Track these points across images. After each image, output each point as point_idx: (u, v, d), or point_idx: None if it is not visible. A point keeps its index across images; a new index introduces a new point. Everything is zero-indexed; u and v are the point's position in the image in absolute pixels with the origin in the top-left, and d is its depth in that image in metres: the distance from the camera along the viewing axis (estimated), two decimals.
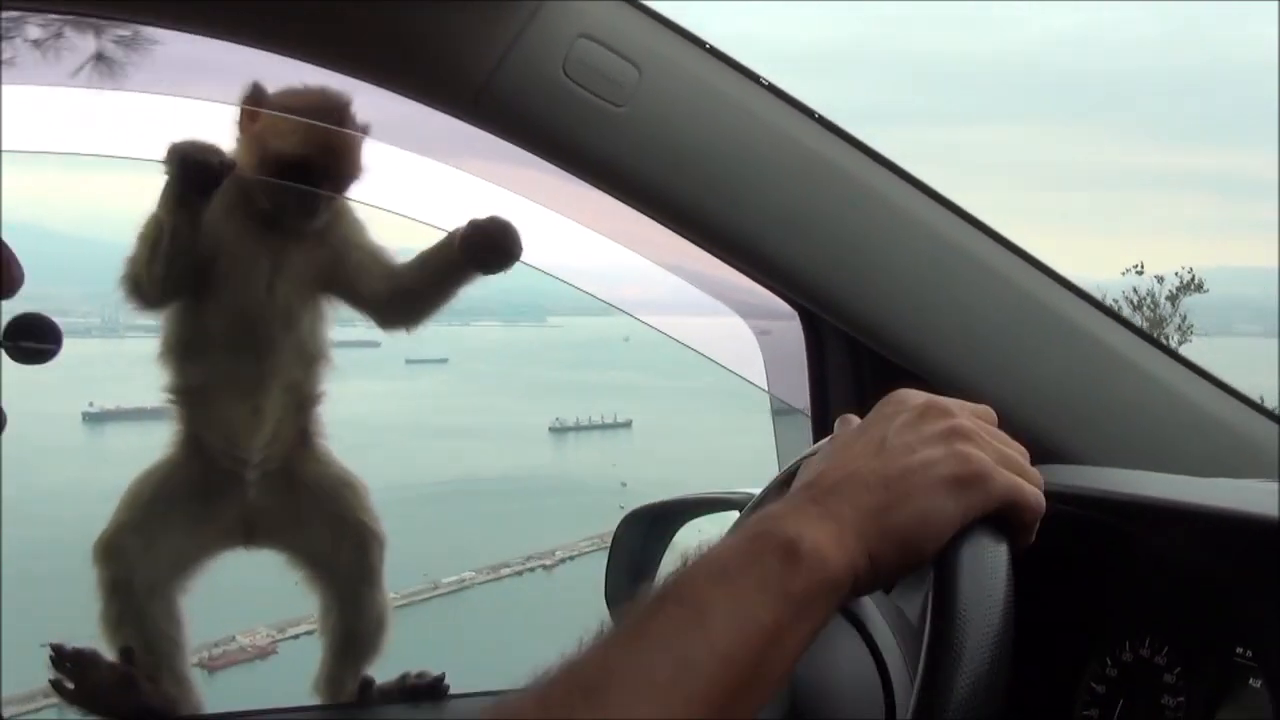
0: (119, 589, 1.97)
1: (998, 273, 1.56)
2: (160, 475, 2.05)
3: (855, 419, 1.15)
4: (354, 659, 2.07)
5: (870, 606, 1.26)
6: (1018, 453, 1.07)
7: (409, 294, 2.07)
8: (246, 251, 1.98)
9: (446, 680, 2.05)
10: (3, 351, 1.26)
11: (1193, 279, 12.89)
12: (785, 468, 1.42)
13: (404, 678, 2.05)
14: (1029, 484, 1.04)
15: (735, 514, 1.80)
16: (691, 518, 1.98)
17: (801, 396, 1.76)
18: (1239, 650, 1.11)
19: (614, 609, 2.03)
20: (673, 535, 1.98)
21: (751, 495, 1.67)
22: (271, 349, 2.02)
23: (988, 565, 1.11)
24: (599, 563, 2.03)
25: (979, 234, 1.56)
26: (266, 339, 2.02)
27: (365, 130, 1.90)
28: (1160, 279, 13.63)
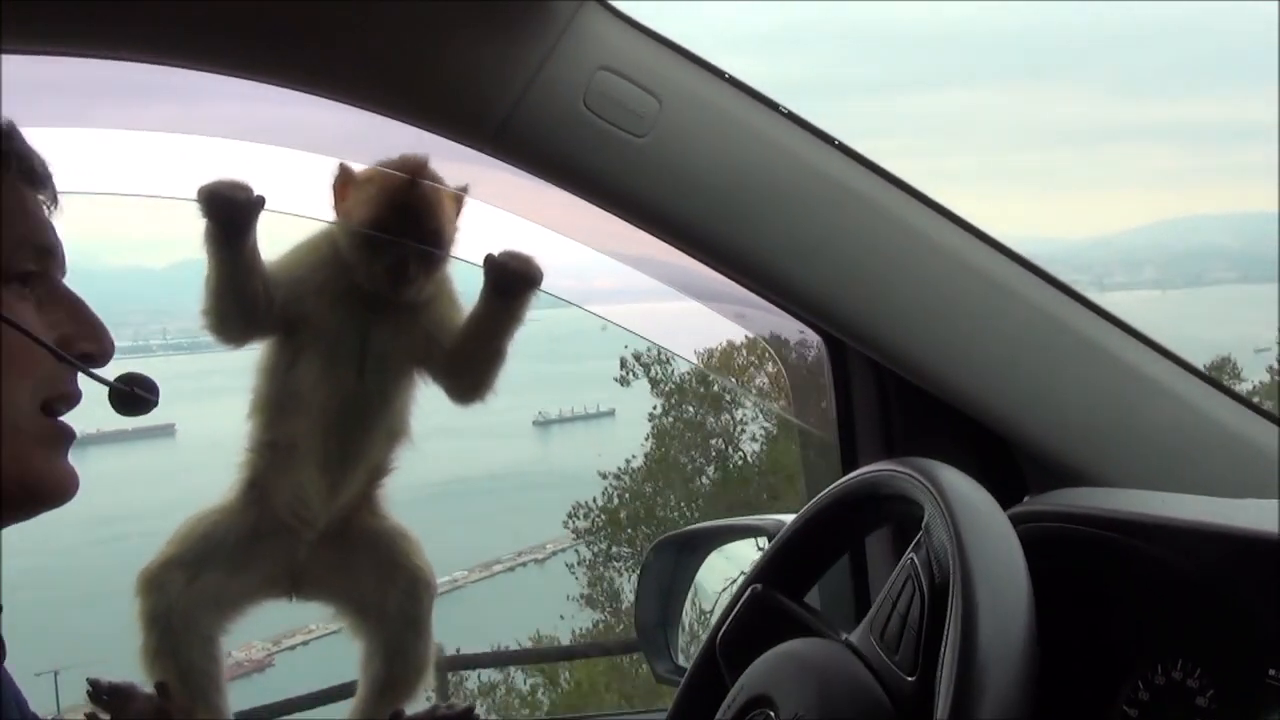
0: (158, 622, 1.98)
1: (1020, 295, 1.56)
2: (215, 517, 2.06)
3: None
4: (390, 704, 2.07)
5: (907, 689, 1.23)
6: None
7: (475, 361, 2.02)
8: (340, 333, 1.97)
9: (476, 711, 2.05)
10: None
11: None
12: (814, 498, 1.42)
13: (434, 709, 2.06)
14: None
15: (763, 540, 1.80)
16: (719, 545, 1.98)
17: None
18: (1271, 672, 1.10)
19: (643, 634, 2.04)
20: (701, 562, 1.98)
21: (780, 522, 1.67)
22: (360, 432, 2.01)
23: (1008, 584, 1.11)
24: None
25: (1000, 256, 1.56)
26: (357, 421, 2.00)
27: (463, 191, 1.91)
28: None
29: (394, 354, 1.98)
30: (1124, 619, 1.29)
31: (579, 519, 18.33)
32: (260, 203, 1.82)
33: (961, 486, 1.20)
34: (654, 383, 18.89)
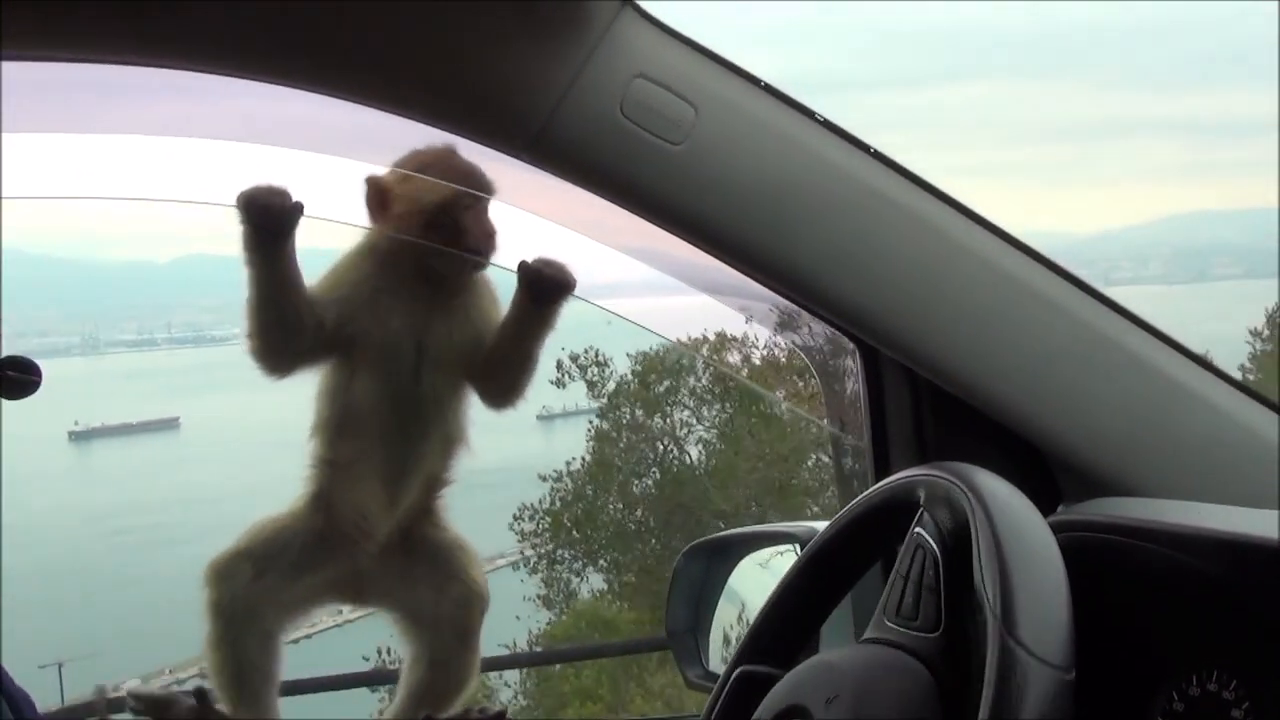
0: (223, 610, 2.02)
1: (1056, 304, 1.56)
2: (284, 521, 2.09)
3: None
4: (428, 707, 2.09)
5: (934, 645, 1.25)
6: None
7: (508, 366, 2.05)
8: (395, 342, 1.99)
9: (509, 716, 2.07)
10: None
11: None
12: (850, 504, 1.43)
13: (467, 712, 2.08)
14: None
15: (795, 547, 1.81)
16: (751, 551, 1.99)
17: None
18: None
19: (674, 637, 2.05)
20: (733, 568, 1.99)
21: (813, 529, 1.68)
22: (418, 440, 2.03)
23: (1050, 597, 1.11)
24: None
25: (1036, 265, 1.56)
26: (415, 429, 2.03)
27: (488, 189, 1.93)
28: None
29: (448, 355, 2.00)
30: (1159, 629, 1.29)
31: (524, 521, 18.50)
32: (299, 209, 1.82)
33: (1002, 492, 1.21)
34: (591, 385, 18.86)
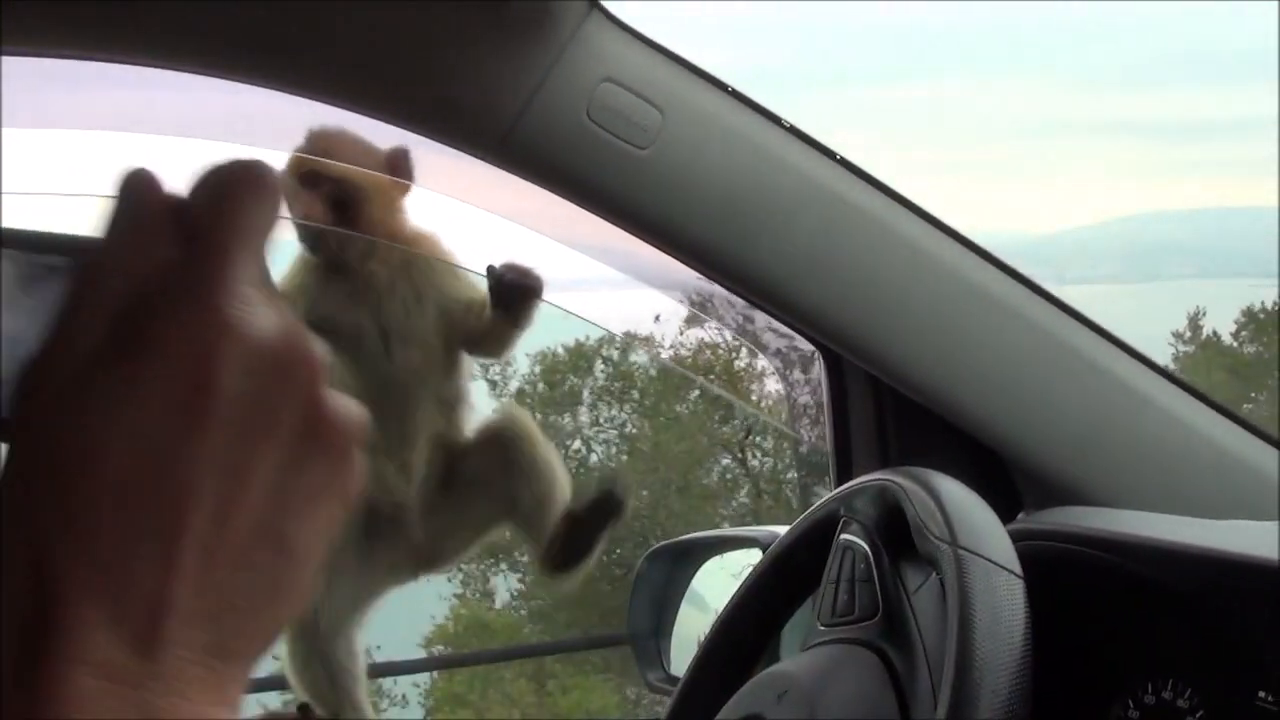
0: (305, 633, 2.07)
1: (1019, 312, 1.57)
2: None
3: None
4: (545, 522, 2.14)
5: (875, 629, 1.28)
6: None
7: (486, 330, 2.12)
8: (352, 318, 2.03)
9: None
10: None
11: None
12: (810, 508, 1.44)
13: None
14: None
15: (757, 551, 1.82)
16: (714, 554, 1.99)
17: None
18: (1261, 694, 1.12)
19: (637, 643, 2.05)
20: (695, 572, 1.99)
21: (774, 534, 1.69)
22: (410, 407, 2.08)
23: (1004, 598, 1.13)
24: None
25: (1001, 274, 1.57)
26: (402, 399, 2.07)
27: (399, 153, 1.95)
28: None
29: (413, 335, 2.06)
30: (1115, 638, 1.31)
31: None
32: None
33: (961, 497, 1.23)
34: (492, 384, 18.73)
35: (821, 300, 1.55)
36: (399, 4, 1.44)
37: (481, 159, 1.53)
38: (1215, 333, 15.30)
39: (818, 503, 1.42)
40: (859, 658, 1.27)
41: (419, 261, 2.08)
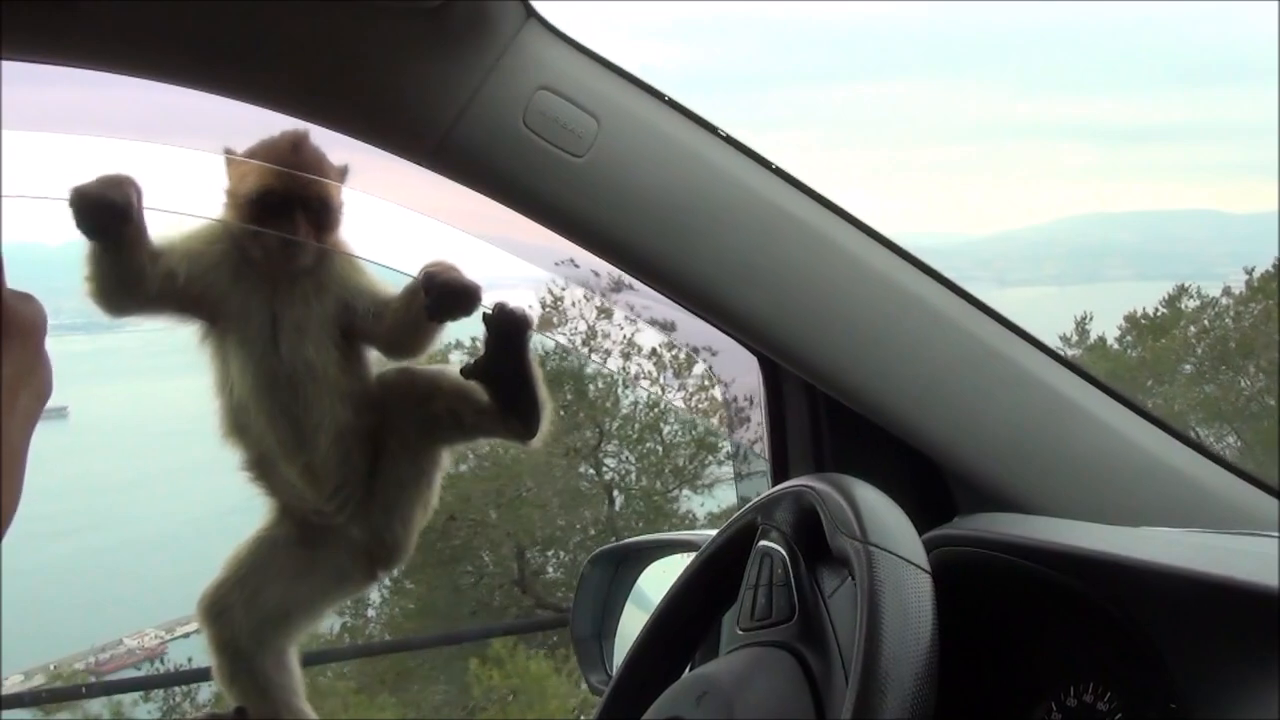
0: (227, 647, 2.00)
1: (952, 321, 1.59)
2: (260, 535, 2.05)
3: None
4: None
5: (791, 631, 1.30)
6: None
7: (410, 330, 2.01)
8: (249, 310, 1.94)
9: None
10: None
11: None
12: (739, 511, 1.45)
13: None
14: None
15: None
16: (656, 558, 2.01)
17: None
18: (1172, 705, 1.13)
19: (579, 644, 2.06)
20: (638, 575, 2.01)
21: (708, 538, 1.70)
22: (302, 404, 1.96)
23: (912, 592, 1.15)
24: None
25: (933, 282, 1.59)
26: (297, 400, 1.96)
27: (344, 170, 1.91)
28: None
29: (308, 324, 1.96)
30: (1038, 643, 1.33)
31: None
32: (129, 210, 1.76)
33: (872, 499, 1.26)
34: None
35: (756, 308, 1.57)
36: (336, 12, 1.44)
37: (417, 164, 1.53)
38: (1102, 337, 15.61)
39: (739, 511, 1.43)
40: (776, 659, 1.30)
41: (332, 257, 1.99)
